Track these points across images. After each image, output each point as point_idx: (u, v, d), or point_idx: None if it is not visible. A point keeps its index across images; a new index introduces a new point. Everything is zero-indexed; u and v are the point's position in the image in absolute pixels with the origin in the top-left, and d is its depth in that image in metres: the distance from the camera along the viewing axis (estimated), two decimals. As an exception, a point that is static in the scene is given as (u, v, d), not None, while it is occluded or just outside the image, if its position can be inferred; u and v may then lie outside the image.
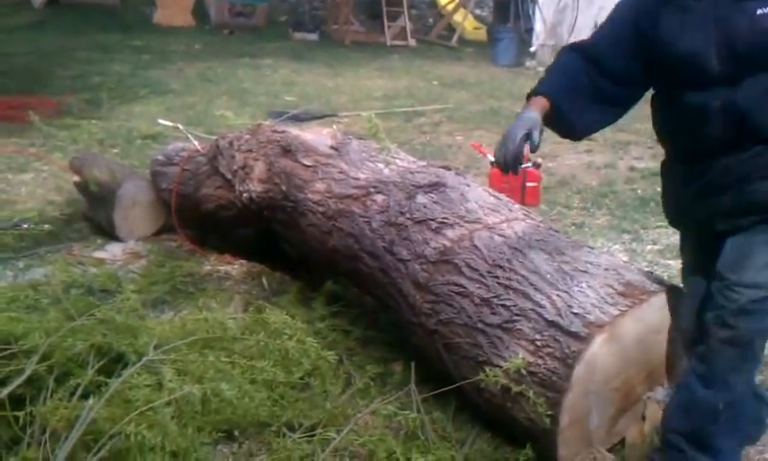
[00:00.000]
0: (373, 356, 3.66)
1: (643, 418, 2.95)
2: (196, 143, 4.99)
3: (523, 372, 2.80)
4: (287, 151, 4.17)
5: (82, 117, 8.07)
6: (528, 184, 6.00)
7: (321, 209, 3.89)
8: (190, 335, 3.32)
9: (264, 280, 4.61)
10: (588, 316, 2.76)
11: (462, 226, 3.35)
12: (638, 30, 2.61)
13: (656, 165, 7.04)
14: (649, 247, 5.04)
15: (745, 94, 2.35)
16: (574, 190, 6.38)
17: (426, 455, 2.85)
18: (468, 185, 3.64)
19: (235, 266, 4.90)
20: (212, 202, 4.67)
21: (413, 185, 3.64)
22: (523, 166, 5.92)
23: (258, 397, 3.07)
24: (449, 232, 3.33)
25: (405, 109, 9.56)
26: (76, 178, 5.49)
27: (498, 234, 3.26)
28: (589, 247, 3.35)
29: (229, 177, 4.46)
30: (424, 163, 4.02)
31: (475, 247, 3.21)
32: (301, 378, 3.41)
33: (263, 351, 3.44)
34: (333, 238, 3.81)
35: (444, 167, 3.85)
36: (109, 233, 5.24)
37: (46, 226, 5.50)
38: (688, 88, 2.46)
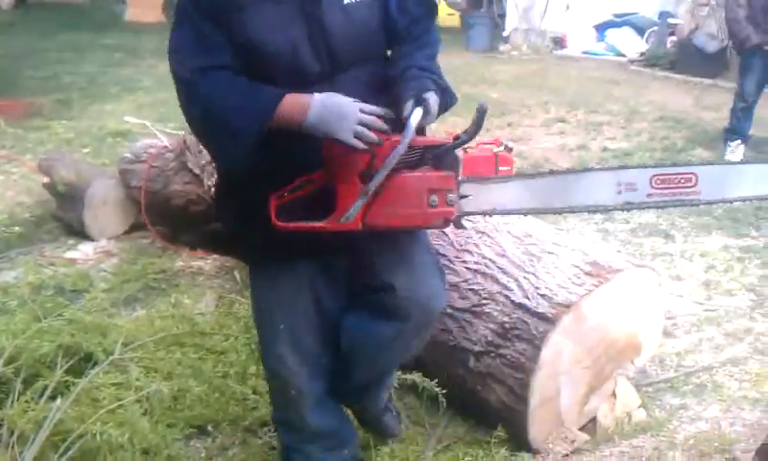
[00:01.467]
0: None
1: (614, 396, 2.98)
2: (164, 140, 4.95)
3: (492, 355, 2.80)
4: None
5: (52, 118, 7.99)
6: (501, 168, 6.00)
7: (290, 201, 3.87)
8: (160, 332, 3.31)
9: (236, 274, 4.57)
10: (554, 297, 2.77)
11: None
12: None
13: (629, 145, 7.14)
14: (622, 226, 5.06)
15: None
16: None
17: (401, 440, 2.85)
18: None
19: (208, 261, 4.85)
20: (182, 197, 4.64)
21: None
22: (495, 150, 5.96)
23: (229, 391, 3.07)
24: (417, 219, 3.32)
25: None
26: (45, 179, 5.44)
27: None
28: (556, 227, 3.34)
29: (198, 172, 4.44)
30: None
31: (443, 233, 3.21)
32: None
33: (234, 345, 3.44)
34: (303, 229, 3.79)
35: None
36: (81, 233, 5.19)
37: (16, 228, 5.45)
38: (288, 88, 2.05)
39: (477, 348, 2.86)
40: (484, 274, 2.98)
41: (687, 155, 6.68)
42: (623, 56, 11.79)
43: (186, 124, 2.18)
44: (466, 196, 2.19)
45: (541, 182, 2.28)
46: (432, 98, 2.11)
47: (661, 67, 10.81)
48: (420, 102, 2.07)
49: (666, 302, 3.26)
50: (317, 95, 2.02)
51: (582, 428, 2.92)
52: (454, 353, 2.95)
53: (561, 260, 2.93)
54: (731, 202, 2.41)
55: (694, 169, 2.24)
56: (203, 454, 2.87)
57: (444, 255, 3.11)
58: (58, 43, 12.51)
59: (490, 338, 2.83)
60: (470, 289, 2.98)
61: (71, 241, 5.22)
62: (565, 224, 5.15)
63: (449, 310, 2.99)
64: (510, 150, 6.01)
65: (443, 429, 2.95)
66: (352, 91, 2.06)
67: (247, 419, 2.99)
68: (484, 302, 2.91)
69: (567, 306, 2.73)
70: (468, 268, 3.04)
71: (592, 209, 2.30)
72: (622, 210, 2.31)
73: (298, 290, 2.32)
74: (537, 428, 2.76)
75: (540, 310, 2.75)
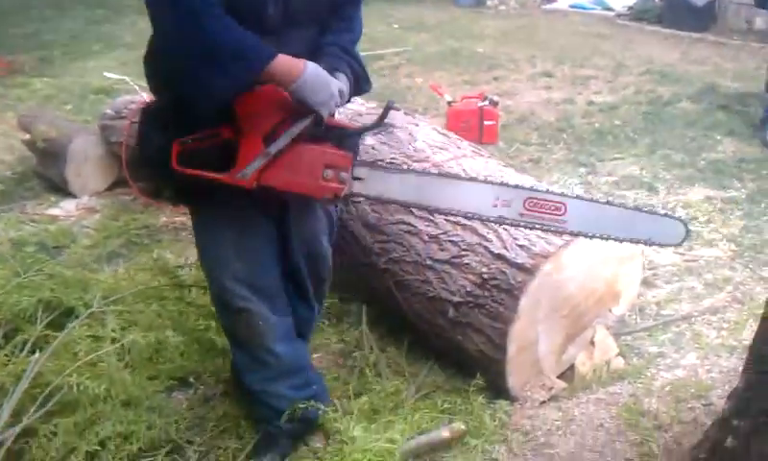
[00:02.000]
0: (330, 298, 3.65)
1: (592, 344, 3.00)
2: (144, 95, 4.90)
3: (471, 305, 2.82)
4: (235, 97, 4.11)
5: (33, 75, 7.91)
6: (485, 123, 5.98)
7: (271, 155, 3.85)
8: (140, 286, 3.30)
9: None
10: (533, 248, 2.78)
11: (410, 165, 3.33)
12: None
13: (614, 99, 7.12)
14: (605, 179, 5.06)
15: (292, 49, 2.17)
16: (532, 126, 6.37)
17: (382, 385, 2.88)
18: (417, 125, 3.62)
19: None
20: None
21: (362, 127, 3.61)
22: (480, 104, 5.94)
23: (211, 343, 3.08)
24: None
25: (365, 54, 9.44)
26: (25, 136, 5.39)
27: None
28: (536, 179, 3.34)
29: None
30: (373, 105, 3.98)
31: (424, 184, 3.21)
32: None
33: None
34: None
35: (391, 108, 3.80)
36: (62, 190, 5.16)
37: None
38: None
39: (456, 298, 2.87)
40: (464, 226, 2.98)
41: (672, 108, 6.67)
42: (611, 10, 11.72)
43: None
44: (359, 178, 2.32)
45: (428, 181, 2.44)
46: (343, 80, 2.28)
47: (649, 21, 10.74)
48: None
49: (646, 251, 3.25)
50: (307, 63, 2.14)
51: (560, 376, 2.94)
52: (434, 304, 2.96)
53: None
54: (597, 237, 2.48)
55: (564, 200, 2.39)
56: (184, 405, 2.89)
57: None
58: (39, 0, 12.31)
59: (469, 288, 2.84)
60: (450, 241, 2.98)
61: (53, 198, 5.20)
62: (549, 177, 5.16)
63: (429, 262, 3.01)
64: (495, 104, 6.02)
65: (422, 378, 2.97)
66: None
67: (228, 370, 3.00)
68: (463, 253, 2.92)
69: (546, 256, 2.74)
70: (447, 220, 3.03)
71: (469, 216, 2.46)
72: (495, 223, 2.56)
73: (248, 226, 2.41)
74: (515, 376, 2.79)
75: (518, 261, 2.76)
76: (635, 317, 3.39)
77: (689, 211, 4.48)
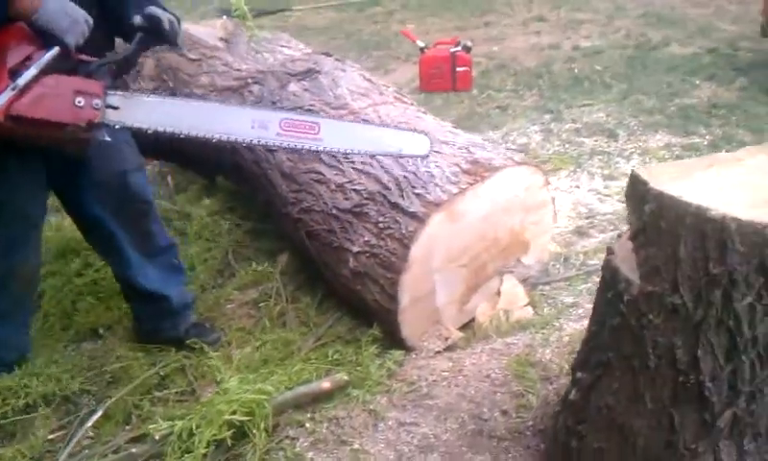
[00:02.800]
0: (261, 249, 3.65)
1: (499, 294, 2.96)
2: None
3: (368, 254, 2.79)
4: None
5: None
6: (458, 69, 5.88)
7: (204, 104, 3.83)
8: (60, 240, 3.34)
9: (169, 179, 4.57)
10: (427, 196, 2.72)
11: (327, 112, 3.28)
12: None
13: (601, 43, 6.92)
14: (567, 125, 4.94)
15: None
16: (510, 73, 6.24)
17: (280, 335, 2.89)
18: (344, 71, 3.56)
19: (148, 167, 4.85)
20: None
21: (287, 74, 3.56)
22: (453, 50, 5.83)
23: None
24: (314, 119, 3.28)
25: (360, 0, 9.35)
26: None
27: (362, 119, 3.20)
28: (453, 126, 3.28)
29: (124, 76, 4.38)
30: (309, 51, 3.92)
31: (336, 132, 3.16)
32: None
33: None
34: (216, 132, 3.76)
35: (324, 54, 3.75)
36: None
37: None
38: None
39: (356, 248, 2.84)
40: (368, 174, 2.94)
41: (659, 52, 6.47)
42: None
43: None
44: (114, 107, 2.32)
45: (186, 107, 2.47)
46: (165, 16, 2.36)
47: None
48: (148, 19, 2.34)
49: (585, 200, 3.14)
50: None
51: (464, 327, 2.91)
52: (338, 254, 2.93)
53: (444, 159, 2.87)
54: (352, 153, 2.77)
55: (318, 119, 2.56)
56: (85, 355, 2.91)
57: (333, 156, 3.07)
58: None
59: (366, 238, 2.81)
60: (354, 189, 2.94)
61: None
62: (512, 124, 5.06)
63: (335, 211, 2.97)
64: (468, 49, 5.90)
65: (324, 330, 2.96)
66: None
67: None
68: (365, 202, 2.88)
69: (438, 205, 2.69)
70: (354, 168, 3.00)
71: (231, 140, 2.53)
72: (253, 146, 2.68)
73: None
74: (411, 327, 2.76)
75: (411, 209, 2.71)
76: (559, 267, 3.32)
77: (645, 158, 4.36)
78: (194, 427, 2.30)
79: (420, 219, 2.68)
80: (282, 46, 3.96)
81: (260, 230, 3.78)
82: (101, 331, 3.07)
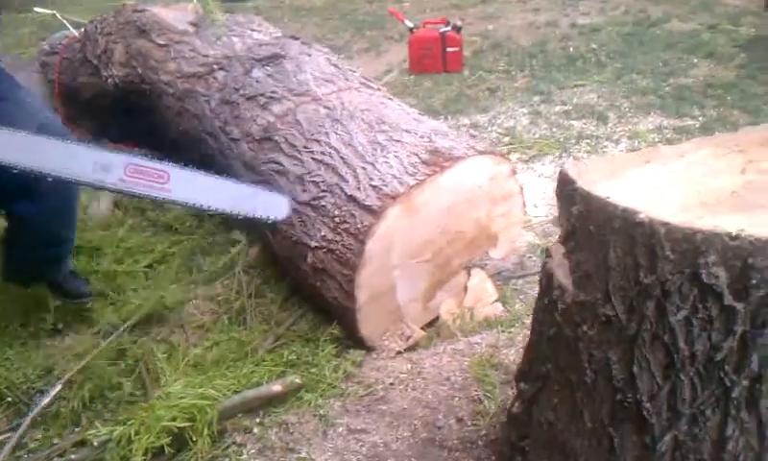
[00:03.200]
0: (232, 241, 3.53)
1: (465, 289, 2.83)
2: (73, 30, 4.77)
3: (325, 250, 2.66)
4: (142, 31, 3.96)
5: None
6: (448, 49, 5.71)
7: (171, 90, 3.71)
8: None
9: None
10: (384, 188, 2.58)
11: (289, 99, 3.16)
12: None
13: (600, 20, 6.72)
14: (557, 108, 4.79)
15: None
16: (504, 52, 6.07)
17: (236, 334, 2.78)
18: (309, 56, 3.42)
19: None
20: (88, 90, 4.48)
21: (252, 59, 3.43)
22: (443, 30, 5.66)
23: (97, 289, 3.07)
24: (276, 107, 3.15)
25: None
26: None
27: (324, 106, 3.06)
28: (419, 113, 3.13)
29: (96, 63, 4.26)
30: (278, 35, 3.78)
31: (297, 121, 3.03)
32: (148, 267, 3.35)
33: (110, 241, 3.41)
34: (183, 120, 3.64)
35: (292, 37, 3.61)
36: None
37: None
38: None
39: (313, 243, 2.71)
40: (327, 165, 2.81)
41: (657, 28, 6.27)
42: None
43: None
44: None
45: (18, 140, 2.26)
46: None
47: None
48: None
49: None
50: None
51: (429, 325, 2.78)
52: (297, 249, 2.80)
53: (404, 149, 2.73)
54: (200, 206, 2.60)
55: (168, 168, 2.45)
56: (42, 353, 2.81)
57: (293, 146, 2.95)
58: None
59: (324, 233, 2.68)
60: (312, 181, 2.81)
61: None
62: (500, 107, 4.91)
63: (293, 204, 2.84)
64: (458, 29, 5.73)
65: (286, 328, 2.83)
66: None
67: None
68: (322, 195, 2.74)
69: (394, 198, 2.55)
70: (314, 158, 2.86)
71: (70, 179, 2.37)
72: (95, 188, 2.49)
73: None
74: (370, 325, 2.63)
75: (367, 203, 2.57)
76: (535, 259, 3.18)
77: (633, 142, 4.20)
78: (132, 434, 2.19)
79: (375, 213, 2.54)
80: (252, 29, 3.82)
81: (234, 222, 3.65)
82: (60, 327, 2.96)
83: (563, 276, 1.60)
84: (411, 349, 2.66)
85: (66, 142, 2.39)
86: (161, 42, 3.85)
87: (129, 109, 4.28)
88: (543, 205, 3.59)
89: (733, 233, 1.30)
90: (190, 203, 2.58)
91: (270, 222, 2.75)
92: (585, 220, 1.49)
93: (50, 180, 2.34)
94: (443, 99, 5.11)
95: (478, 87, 5.34)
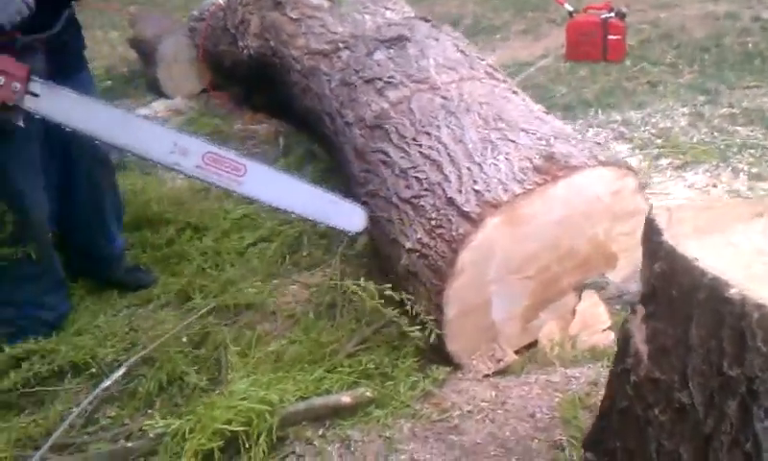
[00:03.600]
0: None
1: (573, 312, 2.54)
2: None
3: (419, 254, 2.45)
4: (278, 3, 3.89)
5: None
6: (610, 37, 5.28)
7: (298, 66, 3.61)
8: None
9: (280, 140, 4.42)
10: (486, 194, 2.34)
11: (406, 86, 2.96)
12: None
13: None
14: (723, 110, 4.28)
15: None
16: (674, 44, 5.55)
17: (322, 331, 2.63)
18: (436, 40, 3.19)
19: (264, 125, 4.73)
20: (228, 58, 4.49)
21: (377, 40, 3.25)
22: (604, 17, 5.24)
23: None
24: (391, 93, 2.96)
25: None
26: (131, 34, 5.51)
27: (441, 96, 2.84)
28: (544, 112, 2.84)
29: (234, 32, 4.24)
30: (410, 15, 3.58)
31: (410, 110, 2.83)
32: (253, 244, 3.28)
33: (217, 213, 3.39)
34: (307, 98, 3.54)
35: (423, 19, 3.40)
36: (158, 91, 5.23)
37: (109, 82, 5.60)
38: None
39: (408, 244, 2.51)
40: (433, 161, 2.59)
41: None
42: None
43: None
44: (35, 95, 2.26)
45: (106, 113, 2.35)
46: None
47: None
48: None
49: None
50: None
51: (529, 347, 2.52)
52: (393, 248, 2.62)
53: (517, 150, 2.46)
54: (271, 205, 2.63)
55: (245, 161, 2.44)
56: (127, 325, 2.80)
57: (403, 137, 2.76)
58: None
59: (419, 235, 2.47)
60: (416, 177, 2.60)
61: (149, 98, 5.28)
62: (658, 104, 4.46)
63: (395, 199, 2.66)
64: (623, 16, 5.31)
65: (373, 330, 2.65)
66: None
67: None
68: (423, 193, 2.54)
69: (495, 206, 2.30)
70: (421, 152, 2.66)
71: (146, 157, 2.41)
72: (170, 169, 2.49)
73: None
74: (459, 341, 2.41)
75: (465, 208, 2.34)
76: (663, 283, 2.82)
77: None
78: (187, 431, 2.10)
79: (472, 221, 2.30)
80: (387, 8, 3.64)
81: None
82: (157, 300, 2.95)
83: (640, 341, 1.31)
84: (501, 373, 2.41)
85: (150, 122, 2.45)
86: (294, 16, 3.75)
87: (263, 81, 4.24)
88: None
89: None
90: (262, 199, 2.56)
91: (345, 233, 2.75)
92: (667, 282, 1.20)
93: (130, 155, 2.46)
94: (596, 90, 4.72)
95: (638, 80, 4.90)
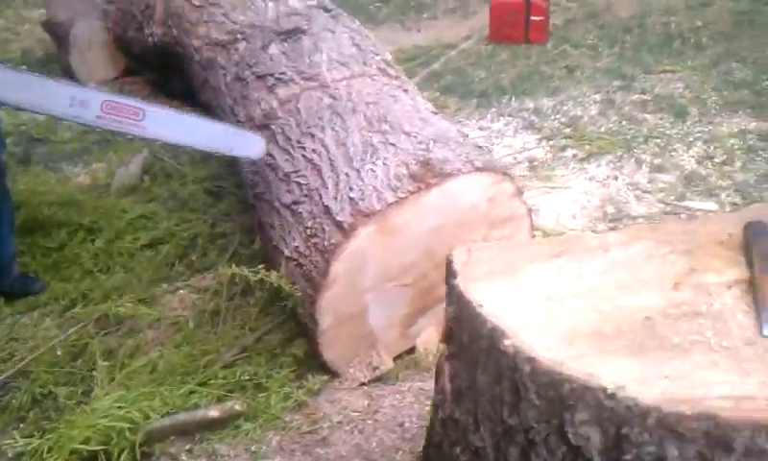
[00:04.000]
0: (245, 226, 3.34)
1: (453, 318, 2.53)
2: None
3: (295, 262, 2.42)
4: (180, -11, 3.78)
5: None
6: (532, 18, 5.26)
7: (197, 58, 3.53)
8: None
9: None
10: (360, 202, 2.30)
11: (296, 83, 2.91)
12: None
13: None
14: (634, 97, 4.30)
15: None
16: (598, 24, 5.55)
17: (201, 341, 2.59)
18: (332, 32, 3.14)
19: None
20: (137, 45, 4.38)
21: (273, 31, 3.19)
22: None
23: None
24: (281, 91, 2.91)
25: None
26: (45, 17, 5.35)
27: (329, 96, 2.79)
28: (432, 111, 2.81)
29: (140, 18, 4.13)
30: (313, 3, 3.50)
31: (297, 110, 2.79)
32: (147, 246, 3.22)
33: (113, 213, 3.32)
34: (205, 91, 3.47)
35: (324, 8, 3.33)
36: (72, 77, 5.09)
37: (23, 67, 5.43)
38: None
39: (287, 252, 2.48)
40: (315, 165, 2.55)
41: (779, 8, 5.56)
42: None
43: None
44: None
45: (3, 74, 2.30)
46: None
47: None
48: None
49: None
50: None
51: (408, 353, 2.51)
52: (275, 254, 2.58)
53: (396, 156, 2.43)
54: (174, 143, 2.74)
55: (143, 105, 2.46)
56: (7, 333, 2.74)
57: (288, 138, 2.71)
58: None
59: (297, 243, 2.44)
60: (297, 182, 2.57)
61: (63, 83, 5.12)
62: (572, 90, 4.47)
63: (277, 204, 2.62)
64: (546, -4, 5.26)
65: (255, 339, 2.61)
66: None
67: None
68: (302, 199, 2.50)
69: (368, 216, 2.27)
70: (304, 156, 2.62)
71: (45, 113, 2.45)
72: (72, 122, 2.59)
73: None
74: (336, 349, 2.39)
75: (339, 218, 2.30)
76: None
77: (709, 148, 3.69)
78: (45, 451, 2.06)
79: (344, 231, 2.27)
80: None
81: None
82: (42, 308, 2.88)
83: (447, 379, 1.31)
84: (378, 380, 2.40)
85: (45, 78, 2.42)
86: (197, 3, 3.67)
87: (170, 70, 4.15)
88: (583, 216, 3.21)
89: (609, 390, 0.98)
90: (166, 138, 2.62)
91: (245, 160, 2.80)
92: (459, 326, 1.20)
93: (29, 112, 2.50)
94: (513, 75, 4.70)
95: (557, 64, 4.89)
